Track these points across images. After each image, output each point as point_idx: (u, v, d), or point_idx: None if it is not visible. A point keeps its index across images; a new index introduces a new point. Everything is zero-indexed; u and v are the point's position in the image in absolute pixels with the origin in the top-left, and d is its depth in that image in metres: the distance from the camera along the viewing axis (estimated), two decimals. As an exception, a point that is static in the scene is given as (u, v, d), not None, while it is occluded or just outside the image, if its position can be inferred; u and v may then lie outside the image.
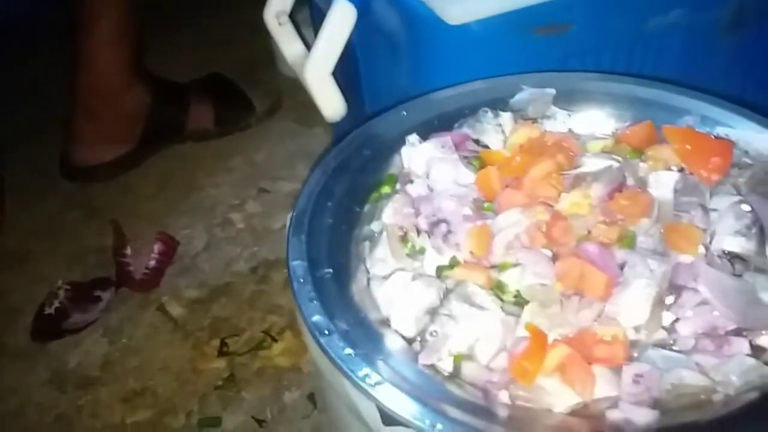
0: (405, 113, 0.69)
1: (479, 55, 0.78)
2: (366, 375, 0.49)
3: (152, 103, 1.35)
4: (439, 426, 0.46)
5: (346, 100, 0.89)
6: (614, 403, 0.50)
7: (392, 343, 0.53)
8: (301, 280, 0.55)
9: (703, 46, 0.86)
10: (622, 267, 0.55)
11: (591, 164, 0.63)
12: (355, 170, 0.64)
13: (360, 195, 0.63)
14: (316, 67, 0.85)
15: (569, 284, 0.54)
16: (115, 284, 1.14)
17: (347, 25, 0.84)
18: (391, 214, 0.61)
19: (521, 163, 0.62)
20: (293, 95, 1.42)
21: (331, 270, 0.56)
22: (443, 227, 0.59)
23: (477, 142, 0.67)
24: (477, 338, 0.52)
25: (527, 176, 0.61)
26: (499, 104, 0.69)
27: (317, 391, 0.96)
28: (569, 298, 0.54)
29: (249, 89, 1.45)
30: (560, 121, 0.70)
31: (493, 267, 0.57)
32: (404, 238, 0.60)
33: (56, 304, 1.08)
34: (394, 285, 0.56)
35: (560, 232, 0.57)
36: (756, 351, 0.52)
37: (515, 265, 0.56)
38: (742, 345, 0.52)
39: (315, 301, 0.53)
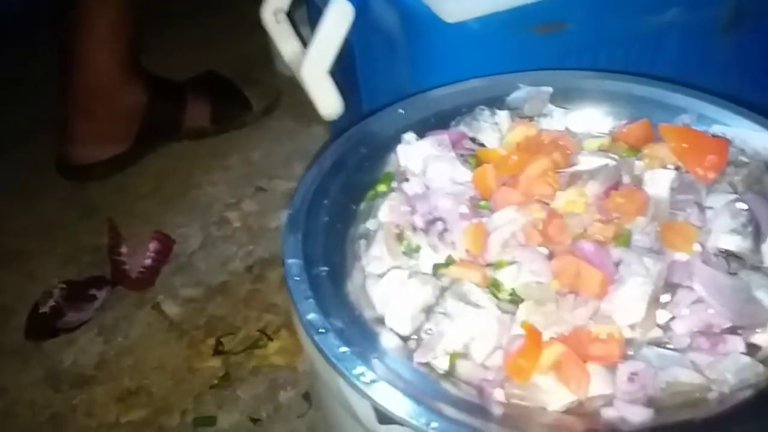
0: (402, 111, 0.69)
1: (476, 53, 0.78)
2: (361, 373, 0.49)
3: (148, 102, 1.34)
4: (434, 424, 0.46)
5: (344, 98, 0.89)
6: (609, 401, 0.50)
7: (387, 341, 0.53)
8: (297, 278, 0.55)
9: (700, 45, 0.86)
10: (617, 265, 0.55)
11: (587, 162, 0.63)
12: (352, 168, 0.64)
13: (356, 193, 0.63)
14: (313, 65, 0.85)
15: (565, 282, 0.54)
16: (111, 283, 1.13)
17: (344, 23, 0.84)
18: (387, 212, 0.61)
19: (517, 162, 0.62)
20: (291, 94, 1.42)
21: (326, 268, 0.56)
22: (439, 225, 0.59)
23: (473, 140, 0.67)
24: (472, 336, 0.52)
25: (523, 174, 0.61)
26: (495, 102, 0.69)
27: (312, 390, 0.95)
28: (565, 296, 0.54)
29: (246, 87, 1.45)
30: (557, 120, 0.70)
31: (488, 265, 0.57)
32: (400, 236, 0.60)
33: (51, 302, 1.08)
34: (389, 283, 0.56)
35: (556, 230, 0.57)
36: (751, 349, 0.52)
37: (511, 263, 0.56)
38: (737, 343, 0.52)
39: (310, 299, 0.53)
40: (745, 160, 0.64)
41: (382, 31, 0.85)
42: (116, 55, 1.28)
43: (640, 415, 0.48)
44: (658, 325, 0.54)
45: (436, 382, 0.50)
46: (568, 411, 0.50)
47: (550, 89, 0.70)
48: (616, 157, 0.63)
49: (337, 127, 0.94)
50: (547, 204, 0.59)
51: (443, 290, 0.55)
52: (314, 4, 0.97)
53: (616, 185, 0.60)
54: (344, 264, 0.58)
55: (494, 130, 0.67)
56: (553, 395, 0.50)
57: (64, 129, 1.33)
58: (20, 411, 1.00)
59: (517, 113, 0.69)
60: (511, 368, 0.50)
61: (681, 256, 0.56)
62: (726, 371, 0.50)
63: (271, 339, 1.04)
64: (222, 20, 1.67)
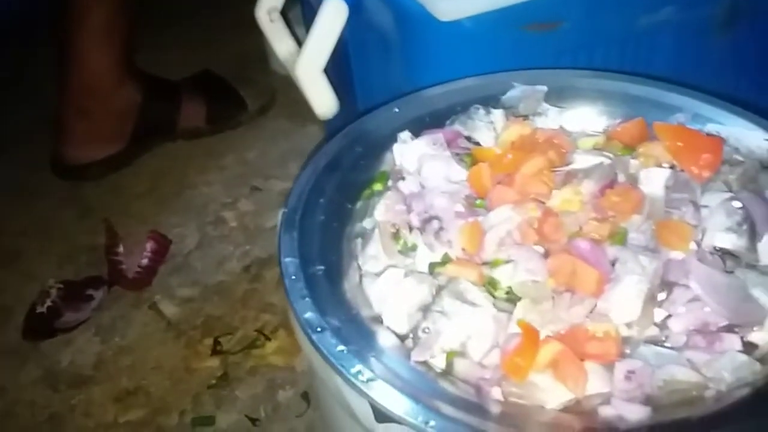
0: (397, 110, 0.69)
1: (471, 52, 0.78)
2: (358, 372, 0.49)
3: (143, 101, 1.34)
4: (431, 423, 0.46)
5: (338, 97, 0.89)
6: (606, 399, 0.50)
7: (384, 340, 0.53)
8: (293, 277, 0.55)
9: (695, 44, 0.86)
10: (613, 263, 0.55)
11: (582, 161, 0.63)
12: (347, 167, 0.64)
13: (352, 192, 0.63)
14: (308, 64, 0.85)
15: (561, 281, 0.54)
16: (108, 283, 1.13)
17: (339, 21, 0.84)
18: (383, 211, 0.61)
19: (513, 160, 0.62)
20: (286, 93, 1.42)
21: (323, 267, 0.56)
22: (435, 224, 0.59)
23: (469, 139, 0.67)
24: (469, 335, 0.52)
25: (519, 173, 0.61)
26: (490, 101, 0.69)
27: (311, 390, 0.96)
28: (561, 294, 0.54)
29: (241, 87, 1.45)
30: (551, 118, 0.70)
31: (485, 264, 0.57)
32: (396, 235, 0.60)
33: (48, 302, 1.07)
34: (386, 282, 0.56)
35: (552, 228, 0.57)
36: (747, 347, 0.52)
37: (507, 261, 0.56)
38: (733, 341, 0.52)
39: (307, 298, 0.53)
40: (740, 158, 0.64)
41: (376, 29, 0.85)
42: (111, 55, 1.27)
43: (637, 413, 0.48)
44: (655, 324, 0.54)
45: (433, 380, 0.50)
46: (566, 409, 0.50)
47: (544, 88, 0.70)
48: (611, 155, 0.63)
49: (332, 126, 0.94)
50: (543, 202, 0.59)
51: (440, 289, 0.55)
52: (308, 3, 0.97)
53: (612, 184, 0.60)
54: (340, 263, 0.58)
55: (489, 129, 0.67)
56: (550, 393, 0.50)
57: (60, 129, 1.33)
58: (19, 411, 1.00)
59: (512, 112, 0.69)
60: (508, 367, 0.50)
61: (677, 255, 0.56)
62: (723, 369, 0.50)
63: (268, 339, 1.04)
64: (217, 20, 1.67)
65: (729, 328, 0.53)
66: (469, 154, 0.66)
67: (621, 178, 0.62)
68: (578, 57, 0.81)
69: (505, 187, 0.61)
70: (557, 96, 0.70)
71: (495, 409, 0.49)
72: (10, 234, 1.25)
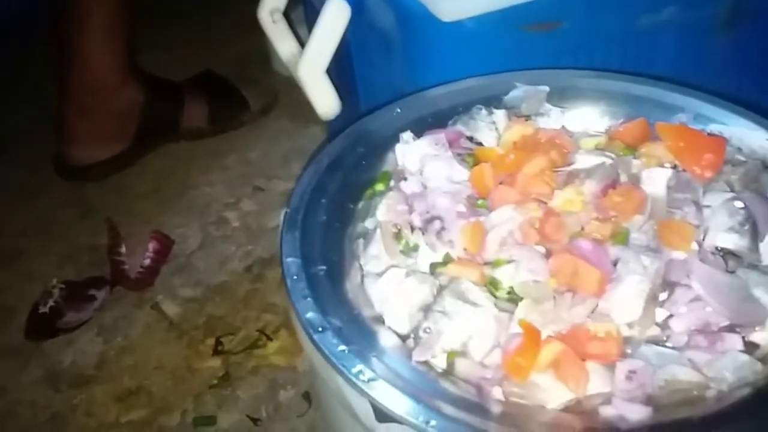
0: (399, 110, 0.69)
1: (473, 53, 0.78)
2: (360, 372, 0.49)
3: (146, 101, 1.34)
4: (432, 422, 0.46)
5: (341, 97, 0.89)
6: (607, 399, 0.50)
7: (386, 339, 0.53)
8: (295, 277, 0.55)
9: (697, 44, 0.86)
10: (615, 263, 0.55)
11: (584, 161, 0.63)
12: (349, 167, 0.64)
13: (354, 192, 0.63)
14: (310, 64, 0.85)
15: (562, 281, 0.54)
16: (110, 283, 1.13)
17: (341, 22, 0.84)
18: (384, 211, 0.61)
19: (515, 160, 0.62)
20: (288, 93, 1.42)
21: (324, 267, 0.56)
22: (437, 224, 0.59)
23: (471, 139, 0.67)
24: (470, 335, 0.52)
25: (520, 173, 0.61)
26: (492, 101, 0.69)
27: (312, 389, 0.96)
28: (562, 294, 0.54)
29: (244, 87, 1.45)
30: (553, 119, 0.70)
31: (486, 264, 0.57)
32: (398, 235, 0.60)
33: (50, 302, 1.08)
34: (387, 282, 0.56)
35: (553, 228, 0.57)
36: (749, 347, 0.52)
37: (509, 261, 0.56)
38: (735, 341, 0.52)
39: (309, 298, 0.53)
40: (742, 158, 0.64)
41: (378, 30, 0.85)
42: (113, 55, 1.27)
43: (638, 413, 0.48)
44: (656, 324, 0.54)
45: (434, 380, 0.50)
46: (567, 409, 0.50)
47: (546, 88, 0.70)
48: (613, 155, 0.63)
49: (335, 127, 0.95)
50: (545, 203, 0.59)
51: (441, 289, 0.55)
52: (311, 4, 0.97)
53: (614, 184, 0.60)
54: (342, 263, 0.58)
55: (491, 129, 0.67)
56: (551, 393, 0.50)
57: (62, 129, 1.33)
58: (21, 411, 1.00)
59: (514, 112, 0.69)
60: (510, 366, 0.50)
61: (678, 255, 0.56)
62: (724, 369, 0.50)
63: (270, 339, 1.05)
64: (218, 20, 1.67)
65: (730, 328, 0.53)
66: (471, 155, 0.66)
67: (623, 178, 0.62)
68: (580, 57, 0.81)
69: (507, 188, 0.61)
70: (559, 96, 0.70)
71: (496, 409, 0.49)
72: (11, 234, 1.26)
